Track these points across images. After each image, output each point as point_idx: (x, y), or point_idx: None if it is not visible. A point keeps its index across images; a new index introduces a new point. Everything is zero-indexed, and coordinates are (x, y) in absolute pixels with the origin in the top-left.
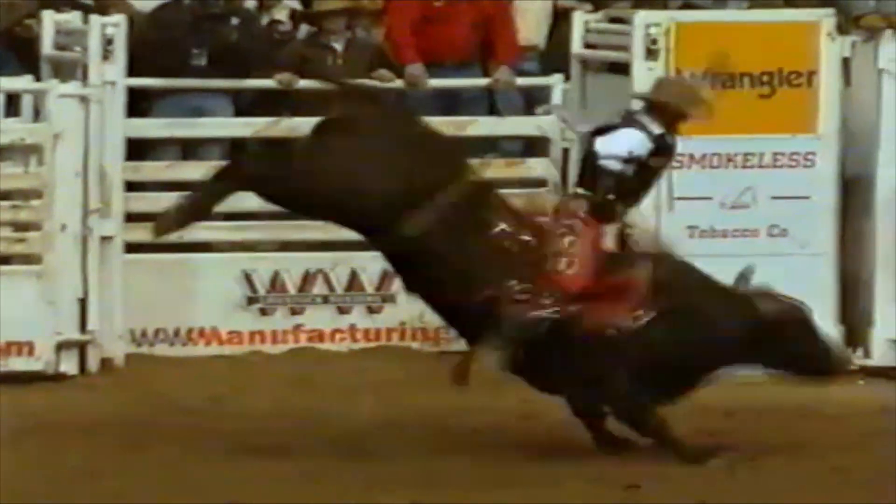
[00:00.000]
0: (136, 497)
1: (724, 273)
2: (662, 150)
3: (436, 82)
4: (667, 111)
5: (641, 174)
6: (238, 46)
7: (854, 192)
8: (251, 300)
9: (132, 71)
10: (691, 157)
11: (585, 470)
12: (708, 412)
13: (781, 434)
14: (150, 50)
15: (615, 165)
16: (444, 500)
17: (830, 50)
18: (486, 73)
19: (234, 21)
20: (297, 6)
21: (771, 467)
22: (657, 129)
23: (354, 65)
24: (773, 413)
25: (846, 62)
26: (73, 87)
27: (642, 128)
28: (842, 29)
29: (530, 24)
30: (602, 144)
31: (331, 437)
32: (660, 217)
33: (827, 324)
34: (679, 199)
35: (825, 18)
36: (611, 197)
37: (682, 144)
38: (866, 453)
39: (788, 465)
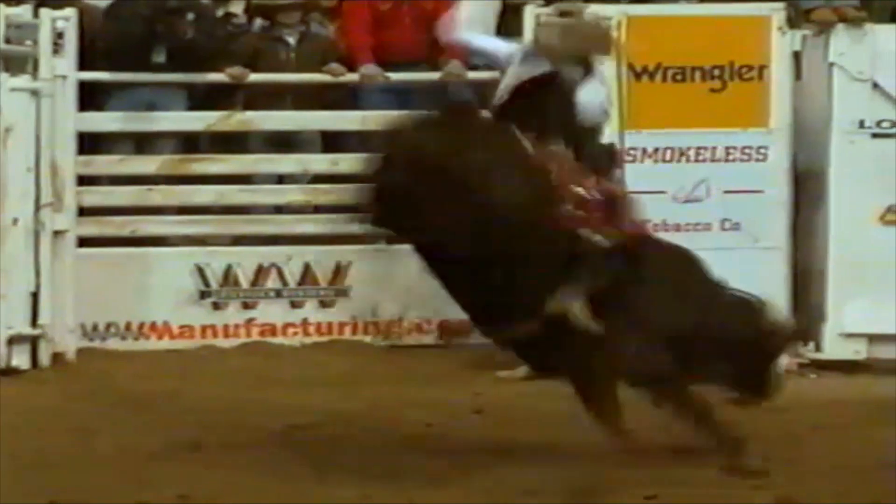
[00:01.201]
0: (87, 491)
1: None
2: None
3: (398, 76)
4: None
5: None
6: (194, 42)
7: (806, 186)
8: (203, 294)
9: (92, 65)
10: (644, 151)
11: (536, 464)
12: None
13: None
14: (107, 45)
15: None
16: (396, 495)
17: (781, 44)
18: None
19: (191, 16)
20: None
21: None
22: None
23: (308, 58)
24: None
25: (797, 56)
26: (23, 80)
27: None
28: (792, 23)
29: (482, 17)
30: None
31: (284, 430)
32: None
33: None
34: (632, 192)
35: (776, 12)
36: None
37: (636, 139)
38: (813, 446)
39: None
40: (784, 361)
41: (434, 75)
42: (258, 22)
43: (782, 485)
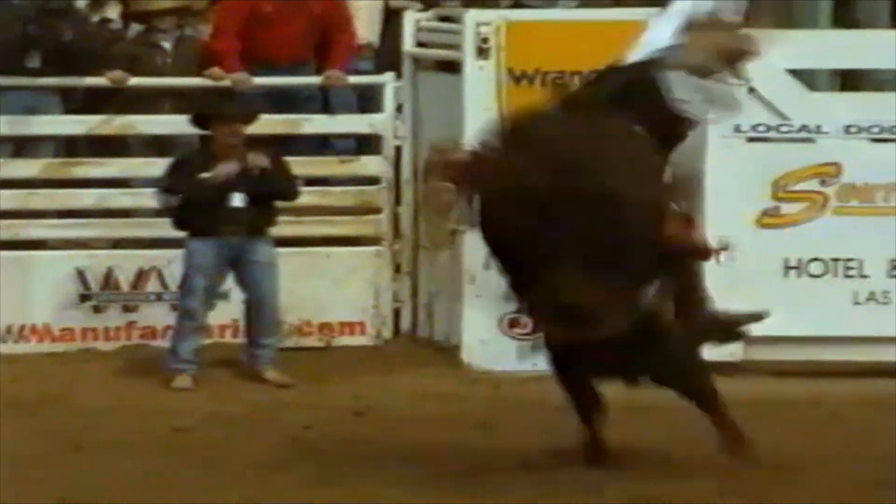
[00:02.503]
0: None
1: None
2: None
3: (269, 81)
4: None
5: None
6: (71, 46)
7: (684, 189)
8: (84, 297)
9: None
10: None
11: (414, 466)
12: (540, 407)
13: (645, 428)
14: None
15: None
16: (275, 497)
17: None
18: (321, 73)
19: (67, 20)
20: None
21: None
22: None
23: (184, 62)
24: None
25: None
26: None
27: None
28: None
29: (363, 22)
30: None
31: (164, 434)
32: None
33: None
34: None
35: (653, 17)
36: None
37: None
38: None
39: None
40: None
41: (314, 80)
42: (134, 27)
43: (662, 483)
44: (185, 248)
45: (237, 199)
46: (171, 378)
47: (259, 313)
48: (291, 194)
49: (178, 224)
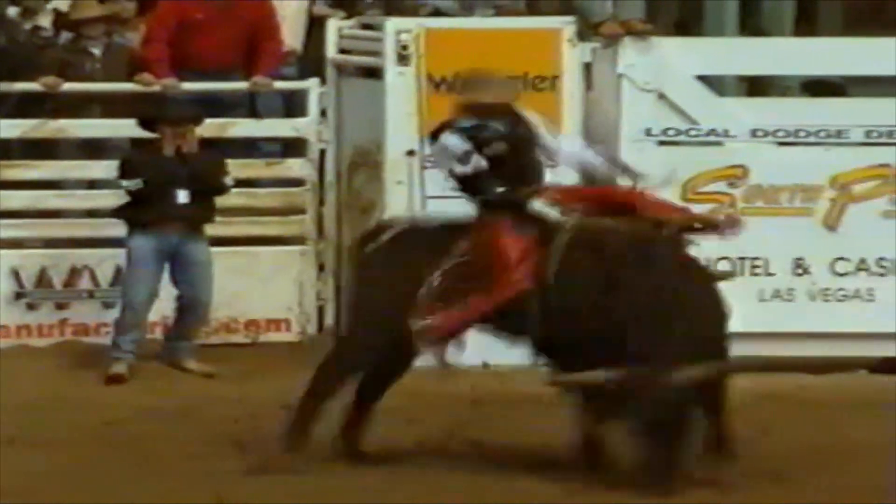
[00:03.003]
0: None
1: None
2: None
3: (198, 87)
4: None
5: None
6: (3, 52)
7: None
8: (18, 295)
9: None
10: None
11: (337, 458)
12: (456, 401)
13: (521, 422)
14: None
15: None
16: (203, 490)
17: (572, 56)
18: (248, 78)
19: (0, 28)
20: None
21: (511, 455)
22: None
23: (112, 68)
24: (512, 402)
25: (587, 67)
26: None
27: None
28: (582, 36)
29: (288, 30)
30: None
31: (95, 427)
32: (413, 215)
33: None
34: (432, 197)
35: (566, 26)
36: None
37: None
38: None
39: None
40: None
41: (241, 85)
42: (64, 35)
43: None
44: (126, 243)
45: (181, 196)
46: (106, 371)
47: (193, 312)
48: (226, 190)
49: (124, 219)
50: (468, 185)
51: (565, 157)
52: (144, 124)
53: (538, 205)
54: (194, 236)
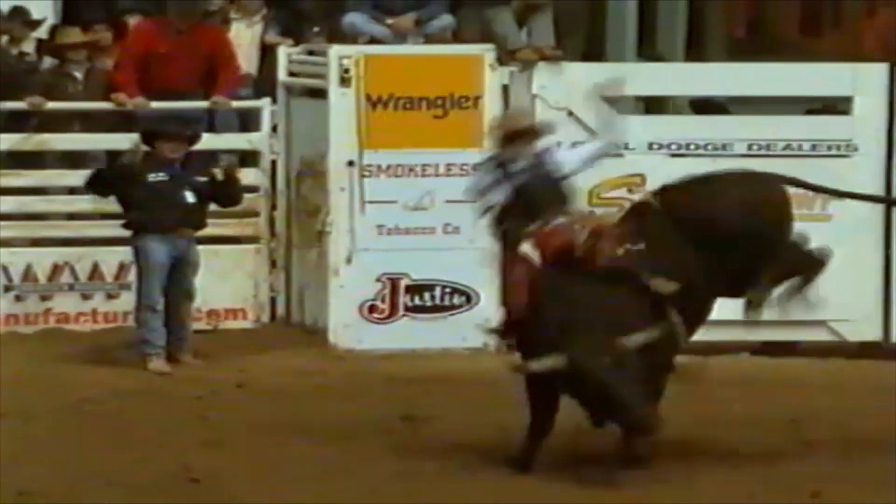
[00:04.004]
0: None
1: (413, 262)
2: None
3: (164, 105)
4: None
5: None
6: None
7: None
8: (7, 288)
9: None
10: (379, 167)
11: (295, 431)
12: (394, 380)
13: (444, 399)
14: None
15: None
16: (170, 457)
17: (492, 78)
18: (208, 98)
19: None
20: (43, 37)
21: (439, 430)
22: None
23: (92, 89)
24: (440, 382)
25: (506, 89)
26: None
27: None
28: (501, 61)
29: (243, 56)
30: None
31: (72, 403)
32: (353, 218)
33: (492, 306)
34: (370, 202)
35: (487, 52)
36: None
37: (372, 157)
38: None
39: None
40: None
41: (202, 104)
42: (48, 60)
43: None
44: (137, 246)
45: (189, 196)
46: (145, 365)
47: (186, 307)
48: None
49: (132, 225)
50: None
51: (570, 164)
52: (145, 138)
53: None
54: (194, 240)
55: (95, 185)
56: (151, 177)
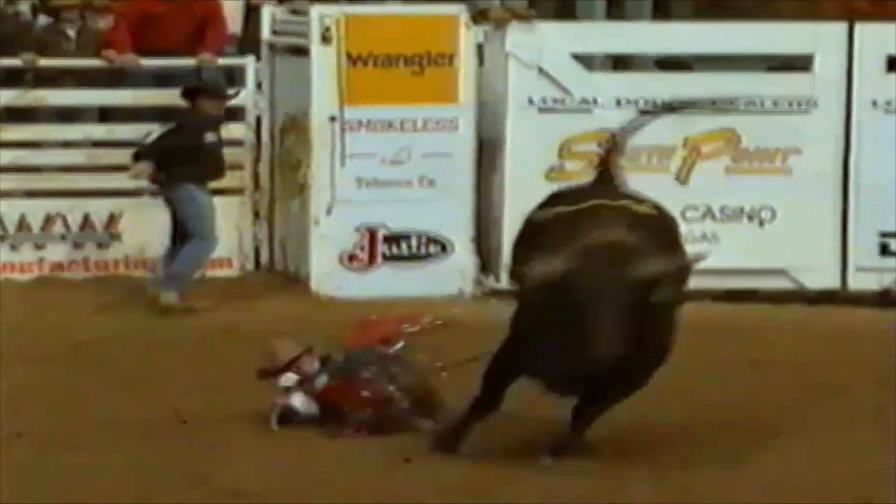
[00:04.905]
0: None
1: (390, 213)
2: None
3: (154, 63)
4: None
5: None
6: None
7: (487, 151)
8: (2, 238)
9: None
10: (359, 122)
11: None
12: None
13: (421, 340)
14: None
15: None
16: (157, 400)
17: (467, 37)
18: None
19: None
20: None
21: None
22: None
23: (85, 47)
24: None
25: (480, 47)
26: None
27: None
28: (476, 20)
29: (230, 16)
30: None
31: (67, 348)
32: (334, 171)
33: (466, 254)
34: (350, 156)
35: (462, 12)
36: None
37: (353, 112)
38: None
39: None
40: (468, 288)
41: (190, 62)
42: (42, 18)
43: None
44: (182, 193)
45: (210, 136)
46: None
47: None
48: None
49: (179, 177)
50: None
51: None
52: (187, 94)
53: None
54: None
55: (144, 156)
56: (201, 136)
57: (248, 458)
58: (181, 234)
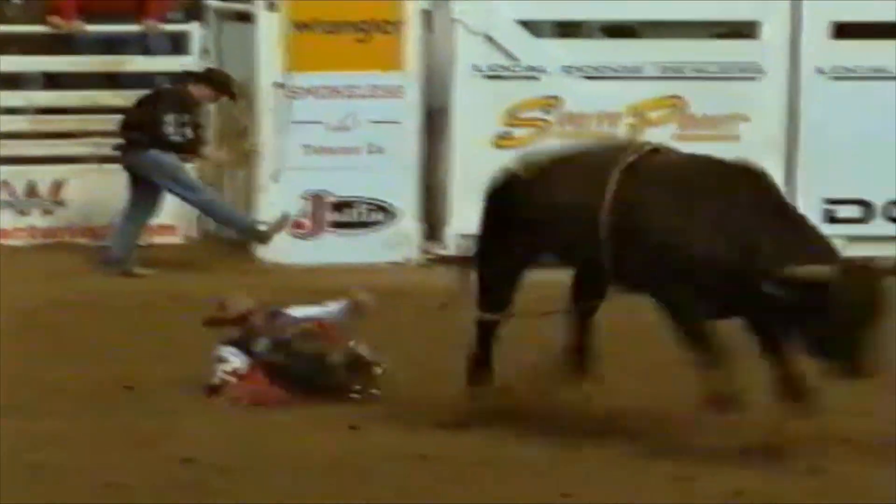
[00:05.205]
0: None
1: (336, 180)
2: None
3: (99, 29)
4: None
5: None
6: None
7: (434, 118)
8: None
9: None
10: (306, 89)
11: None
12: (319, 293)
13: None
14: None
15: None
16: (116, 369)
17: (414, 4)
18: (140, 22)
19: None
20: None
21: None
22: None
23: (32, 14)
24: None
25: (428, 14)
26: None
27: None
28: None
29: None
30: None
31: (13, 315)
32: (280, 138)
33: (411, 222)
34: (296, 122)
35: None
36: None
37: (299, 79)
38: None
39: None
40: (414, 255)
41: (135, 28)
42: None
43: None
44: (153, 161)
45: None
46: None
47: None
48: None
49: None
50: None
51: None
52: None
53: None
54: None
55: None
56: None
57: (196, 423)
58: (143, 200)
